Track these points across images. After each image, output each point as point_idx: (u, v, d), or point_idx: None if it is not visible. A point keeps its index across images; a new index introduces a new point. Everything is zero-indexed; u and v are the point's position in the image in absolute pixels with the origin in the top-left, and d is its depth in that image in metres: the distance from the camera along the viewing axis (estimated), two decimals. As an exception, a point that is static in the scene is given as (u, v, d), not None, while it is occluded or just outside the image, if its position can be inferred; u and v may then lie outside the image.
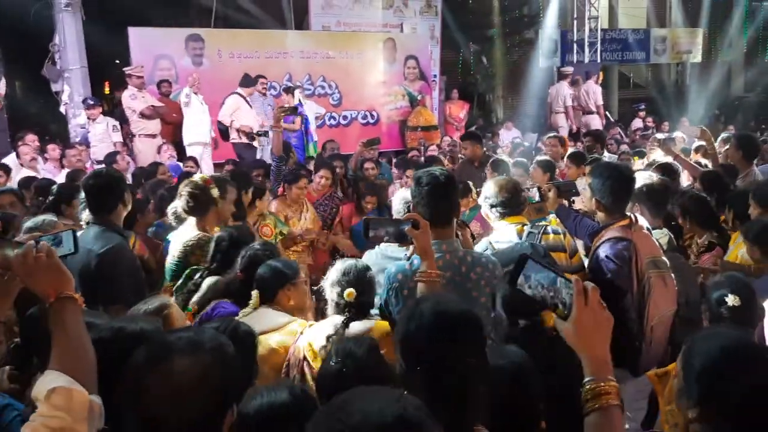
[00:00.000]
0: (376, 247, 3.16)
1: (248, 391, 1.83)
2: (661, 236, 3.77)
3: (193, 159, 8.13)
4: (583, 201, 4.61)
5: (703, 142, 6.80)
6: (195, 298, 3.09)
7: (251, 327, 2.30)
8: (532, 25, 16.73)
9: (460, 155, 7.64)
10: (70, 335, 1.61)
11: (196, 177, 3.94)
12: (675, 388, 1.68)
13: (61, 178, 6.61)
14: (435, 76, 13.65)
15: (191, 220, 3.70)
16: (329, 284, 2.70)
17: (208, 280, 3.14)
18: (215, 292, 3.05)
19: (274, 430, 1.74)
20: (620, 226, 3.14)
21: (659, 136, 7.33)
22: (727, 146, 6.04)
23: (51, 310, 1.65)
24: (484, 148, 7.88)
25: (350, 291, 2.58)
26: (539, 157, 6.37)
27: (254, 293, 2.83)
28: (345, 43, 12.03)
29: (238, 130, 9.11)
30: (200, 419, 1.36)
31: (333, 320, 2.63)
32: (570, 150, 6.95)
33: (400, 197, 3.37)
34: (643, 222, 3.38)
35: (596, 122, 13.26)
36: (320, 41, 11.90)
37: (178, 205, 3.81)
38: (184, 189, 3.72)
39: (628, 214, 3.25)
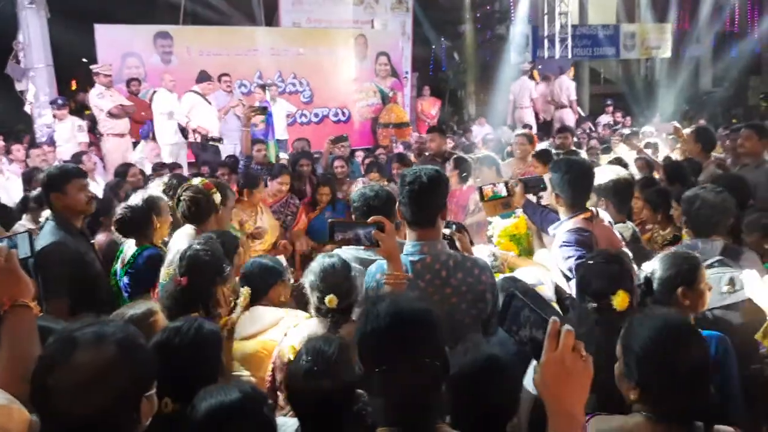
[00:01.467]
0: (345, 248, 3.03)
1: (199, 392, 1.81)
2: (625, 230, 3.79)
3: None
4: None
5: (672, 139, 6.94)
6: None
7: (216, 327, 2.27)
8: (503, 20, 16.79)
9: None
10: (21, 346, 1.58)
11: (196, 181, 3.72)
12: (616, 371, 1.76)
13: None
14: (406, 72, 13.65)
15: (187, 229, 3.51)
16: (308, 285, 2.61)
17: (166, 285, 2.98)
18: (164, 302, 2.78)
19: (223, 430, 1.73)
20: (581, 219, 3.15)
21: (625, 131, 7.44)
22: None
23: (4, 317, 1.62)
24: (454, 144, 7.93)
25: (331, 298, 2.50)
26: (479, 155, 6.41)
27: (245, 290, 2.78)
28: (316, 39, 11.97)
29: (194, 131, 9.01)
30: (108, 411, 1.35)
31: (317, 323, 2.60)
32: (538, 147, 6.99)
33: (358, 194, 3.23)
34: (604, 216, 3.41)
35: (569, 117, 13.38)
36: (290, 38, 11.84)
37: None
38: (184, 194, 3.52)
39: (590, 208, 3.26)
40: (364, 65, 12.24)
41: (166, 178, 4.86)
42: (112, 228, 3.79)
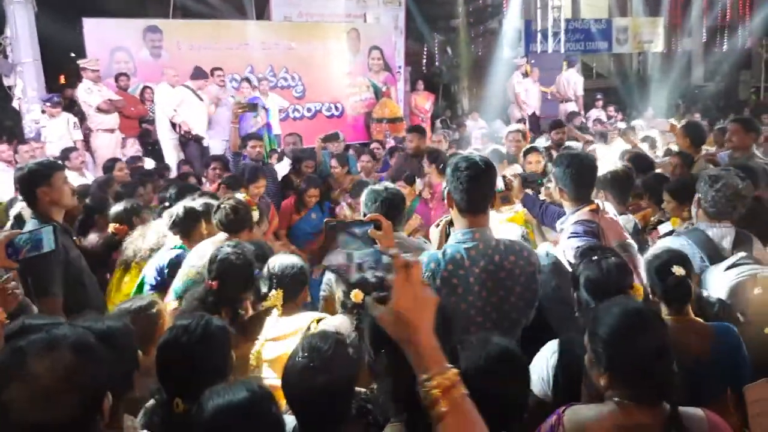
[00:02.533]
0: None
1: (206, 391, 1.77)
2: (627, 221, 3.79)
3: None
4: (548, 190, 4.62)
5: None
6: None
7: (224, 323, 2.25)
8: (496, 15, 16.76)
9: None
10: None
11: (240, 196, 3.84)
12: (586, 360, 1.89)
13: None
14: (400, 67, 13.59)
15: (220, 236, 3.51)
16: (334, 282, 2.65)
17: (186, 295, 2.98)
18: (191, 304, 2.84)
19: (232, 429, 1.70)
20: (586, 211, 3.15)
21: (621, 125, 7.43)
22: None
23: None
24: (441, 139, 7.89)
25: (356, 293, 2.50)
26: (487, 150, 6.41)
27: (276, 293, 2.74)
28: (307, 33, 11.87)
29: (179, 126, 8.92)
30: (73, 415, 1.32)
31: (343, 319, 2.60)
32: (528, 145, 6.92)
33: (371, 193, 3.19)
34: (609, 209, 3.40)
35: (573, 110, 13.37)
36: (282, 32, 11.73)
37: (176, 210, 3.77)
38: (226, 202, 3.55)
39: (595, 200, 3.26)
40: (356, 60, 12.16)
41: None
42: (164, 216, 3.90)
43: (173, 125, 8.98)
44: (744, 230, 2.99)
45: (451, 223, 2.77)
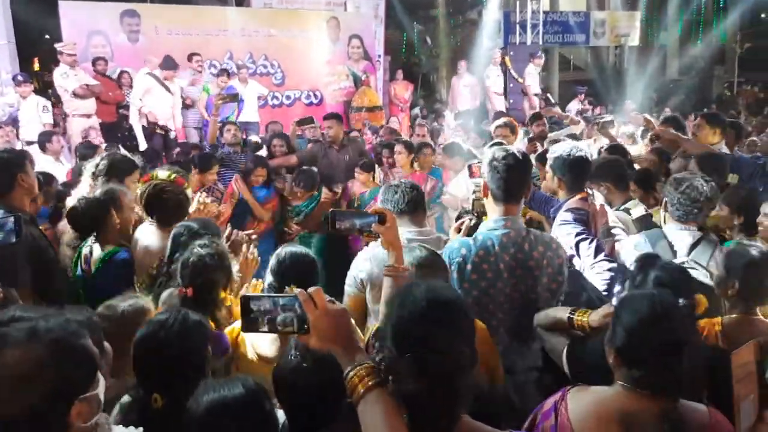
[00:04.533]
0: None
1: (200, 386, 1.77)
2: (635, 205, 3.88)
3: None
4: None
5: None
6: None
7: (201, 318, 2.18)
8: (475, 5, 16.78)
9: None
10: None
11: (162, 173, 3.44)
12: (607, 335, 1.94)
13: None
14: (379, 56, 13.56)
15: (150, 229, 3.29)
16: (366, 275, 2.59)
17: (164, 295, 2.77)
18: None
19: (227, 426, 1.69)
20: (578, 199, 3.30)
21: (607, 118, 7.48)
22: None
23: None
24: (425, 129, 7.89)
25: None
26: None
27: (290, 290, 2.62)
28: (287, 20, 11.81)
29: (146, 115, 8.87)
30: (25, 415, 1.29)
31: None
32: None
33: (390, 188, 3.20)
34: (598, 197, 3.63)
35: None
36: (262, 19, 11.65)
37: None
38: (159, 194, 3.29)
39: (585, 189, 3.43)
40: (336, 48, 12.13)
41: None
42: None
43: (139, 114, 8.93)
44: (711, 235, 3.06)
45: (473, 228, 2.87)
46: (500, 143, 5.75)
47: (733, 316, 2.49)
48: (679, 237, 3.00)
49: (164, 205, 3.36)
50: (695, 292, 2.26)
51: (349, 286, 2.90)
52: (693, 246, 2.95)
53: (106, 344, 1.90)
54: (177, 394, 1.89)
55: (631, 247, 3.05)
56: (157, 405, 1.93)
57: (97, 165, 3.87)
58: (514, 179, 2.59)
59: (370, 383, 1.41)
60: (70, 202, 3.67)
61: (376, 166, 6.23)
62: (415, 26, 16.51)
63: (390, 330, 1.51)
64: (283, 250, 2.73)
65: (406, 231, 2.93)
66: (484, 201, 2.75)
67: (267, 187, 5.79)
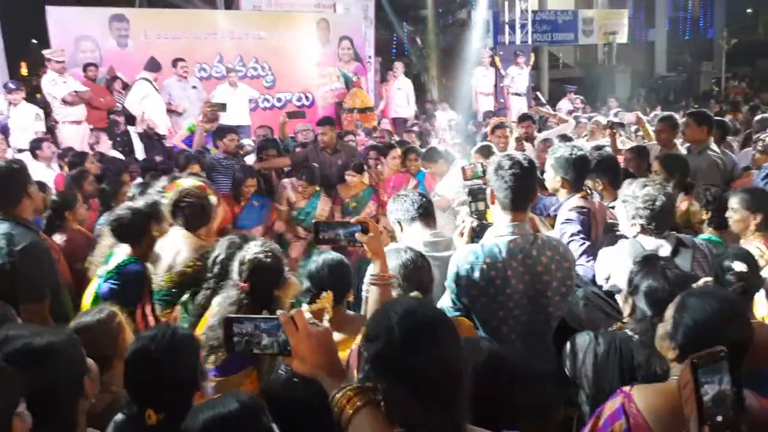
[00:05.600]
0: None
1: (193, 406, 1.76)
2: None
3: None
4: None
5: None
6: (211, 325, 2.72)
7: (190, 332, 2.21)
8: (465, 5, 16.82)
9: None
10: None
11: (188, 183, 3.47)
12: (660, 331, 1.96)
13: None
14: (370, 57, 13.56)
15: (179, 233, 3.30)
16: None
17: (216, 301, 2.81)
18: (226, 309, 2.68)
19: None
20: (579, 198, 3.38)
21: (601, 119, 7.52)
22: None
23: None
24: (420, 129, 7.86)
25: (417, 295, 2.37)
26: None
27: (326, 295, 2.49)
28: (277, 23, 11.76)
29: (146, 122, 8.84)
30: None
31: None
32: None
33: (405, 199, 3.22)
34: (596, 195, 3.70)
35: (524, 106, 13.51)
36: (251, 21, 11.61)
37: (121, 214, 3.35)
38: (184, 199, 3.33)
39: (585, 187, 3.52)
40: (326, 50, 12.10)
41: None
42: (106, 229, 3.48)
43: (128, 118, 8.91)
44: (685, 238, 3.06)
45: (475, 231, 2.88)
46: (488, 146, 5.82)
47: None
48: (654, 245, 2.99)
49: (189, 208, 3.39)
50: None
51: (365, 291, 2.92)
52: (673, 254, 2.95)
53: (90, 360, 1.88)
54: (170, 408, 1.90)
55: (608, 259, 3.02)
56: (151, 421, 1.92)
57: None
58: (521, 187, 2.59)
59: (358, 403, 1.40)
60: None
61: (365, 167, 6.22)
62: (405, 27, 16.52)
63: (374, 360, 1.44)
64: (321, 257, 2.79)
65: (425, 235, 3.07)
66: (490, 208, 2.74)
67: (260, 195, 5.73)
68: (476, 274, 2.53)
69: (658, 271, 2.32)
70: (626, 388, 1.92)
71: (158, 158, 7.19)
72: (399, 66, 12.90)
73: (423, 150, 6.51)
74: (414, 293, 2.37)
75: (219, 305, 2.75)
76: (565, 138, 6.37)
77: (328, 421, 1.72)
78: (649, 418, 1.83)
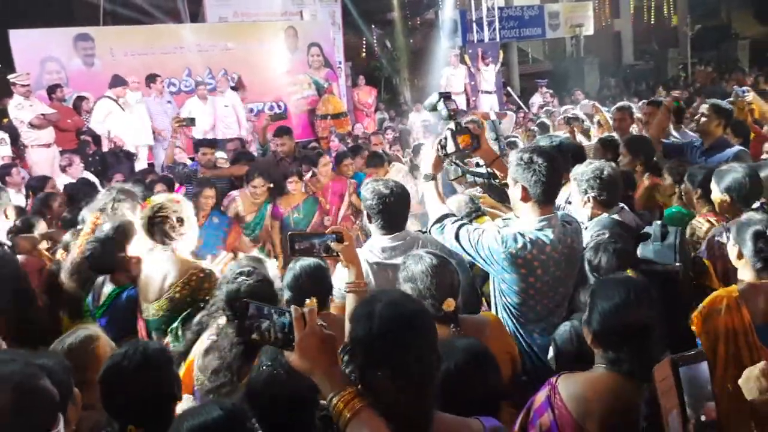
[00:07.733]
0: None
1: (180, 413, 1.73)
2: None
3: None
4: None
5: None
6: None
7: (162, 346, 2.19)
8: (432, 6, 16.87)
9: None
10: None
11: (161, 198, 3.27)
12: (583, 317, 2.03)
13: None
14: (340, 62, 13.54)
15: (164, 255, 3.12)
16: (410, 293, 2.30)
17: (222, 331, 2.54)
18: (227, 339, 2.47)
19: None
20: None
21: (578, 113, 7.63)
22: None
23: None
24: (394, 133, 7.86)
25: (449, 301, 2.29)
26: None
27: (310, 302, 2.53)
28: (244, 33, 11.70)
29: (110, 140, 8.74)
30: None
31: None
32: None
33: (371, 190, 3.03)
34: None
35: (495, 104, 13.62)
36: (218, 33, 11.54)
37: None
38: (157, 214, 3.13)
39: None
40: (296, 57, 12.05)
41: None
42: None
43: (94, 138, 8.83)
44: (643, 212, 3.17)
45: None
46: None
47: (744, 281, 2.52)
48: (628, 218, 3.15)
49: (165, 223, 3.15)
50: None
51: (336, 297, 2.88)
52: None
53: (75, 390, 1.84)
54: (151, 423, 1.90)
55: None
56: None
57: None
58: (555, 178, 2.60)
59: (357, 406, 1.43)
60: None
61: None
62: (374, 30, 16.53)
63: (358, 347, 1.54)
64: (297, 265, 2.74)
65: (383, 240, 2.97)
66: (518, 205, 2.67)
67: (219, 211, 5.39)
68: (519, 261, 2.53)
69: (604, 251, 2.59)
70: (553, 379, 1.97)
71: (118, 176, 7.04)
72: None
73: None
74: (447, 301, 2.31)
75: (220, 337, 2.51)
76: (513, 145, 6.38)
77: (310, 420, 1.79)
78: (572, 407, 1.86)
